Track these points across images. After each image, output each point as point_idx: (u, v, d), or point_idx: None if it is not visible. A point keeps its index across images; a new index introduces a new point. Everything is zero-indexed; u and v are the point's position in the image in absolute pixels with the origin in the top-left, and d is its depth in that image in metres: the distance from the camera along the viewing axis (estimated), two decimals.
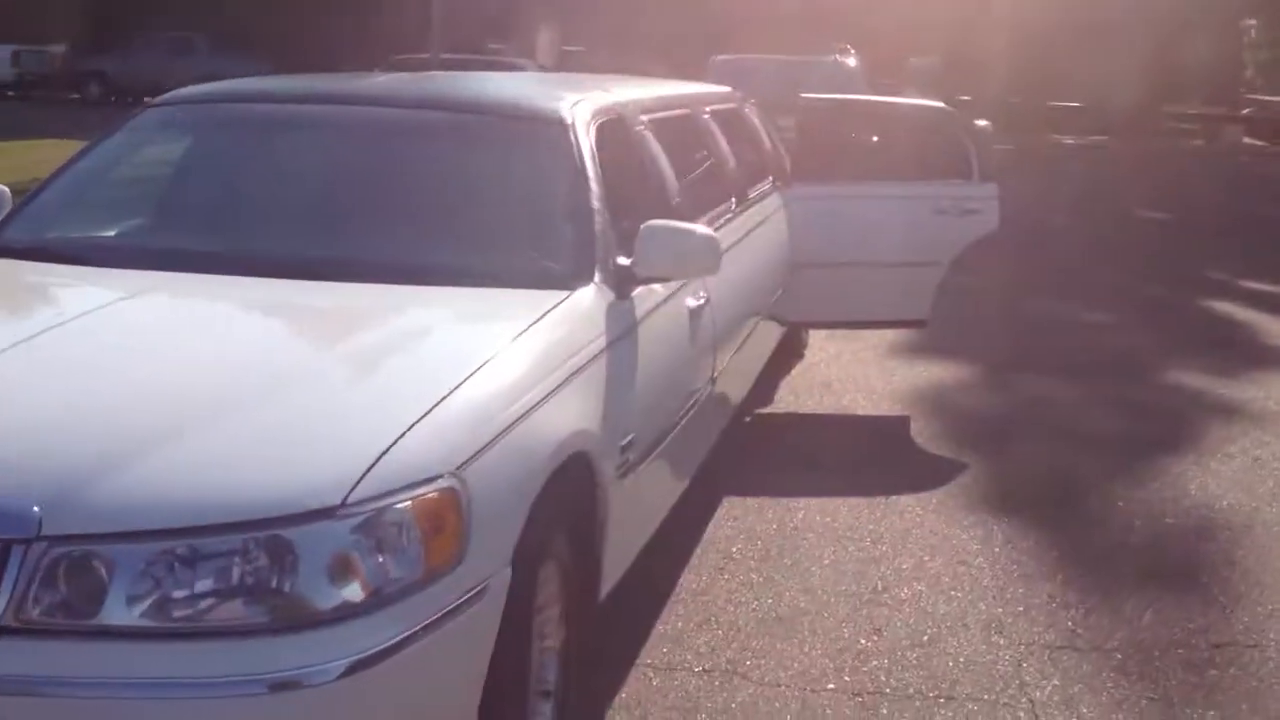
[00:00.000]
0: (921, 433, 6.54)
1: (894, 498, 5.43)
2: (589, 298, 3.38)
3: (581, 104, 4.00)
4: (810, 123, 7.06)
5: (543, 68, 30.80)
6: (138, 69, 31.10)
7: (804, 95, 7.17)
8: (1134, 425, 6.82)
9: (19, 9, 40.73)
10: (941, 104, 7.27)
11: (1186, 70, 40.01)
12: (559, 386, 2.95)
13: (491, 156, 3.82)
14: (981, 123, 28.12)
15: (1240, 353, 8.76)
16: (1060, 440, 6.45)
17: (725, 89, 6.96)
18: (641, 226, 3.53)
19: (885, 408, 7.02)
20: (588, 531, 3.15)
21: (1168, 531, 5.25)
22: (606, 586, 3.37)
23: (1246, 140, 36.23)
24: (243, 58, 28.36)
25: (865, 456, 6.13)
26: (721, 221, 5.12)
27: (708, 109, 5.83)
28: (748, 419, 6.55)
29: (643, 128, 4.46)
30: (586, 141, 3.79)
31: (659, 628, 4.10)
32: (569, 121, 3.82)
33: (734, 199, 5.53)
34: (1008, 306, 10.03)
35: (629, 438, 3.31)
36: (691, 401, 4.11)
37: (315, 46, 32.23)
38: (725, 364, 4.76)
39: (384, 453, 2.34)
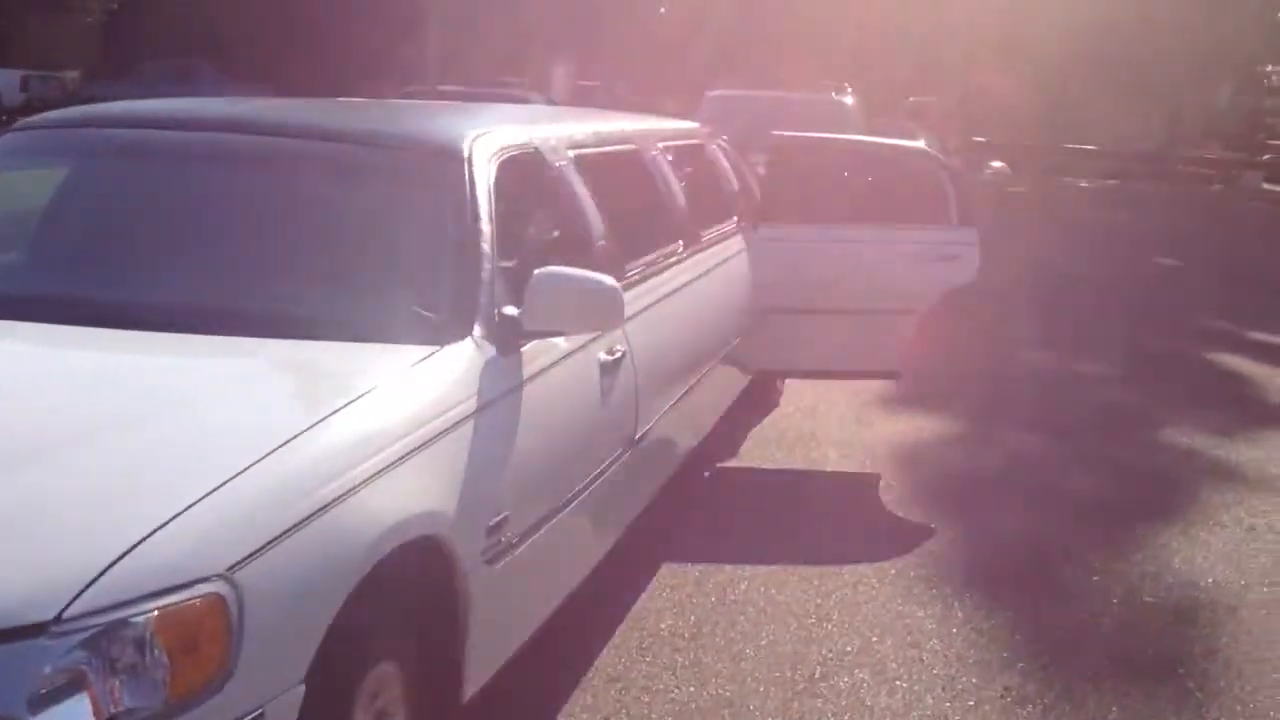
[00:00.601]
0: (891, 492, 6.10)
1: (849, 567, 4.99)
2: (462, 354, 2.97)
3: (485, 137, 3.60)
4: (781, 162, 6.66)
5: (551, 101, 30.60)
6: (143, 96, 30.84)
7: (774, 133, 6.78)
8: (1119, 488, 6.36)
9: (42, 36, 40.82)
10: (921, 144, 6.87)
11: (1205, 115, 39.63)
12: (400, 460, 2.54)
13: (373, 192, 3.42)
14: (997, 164, 27.63)
15: (1242, 410, 8.31)
16: (1038, 504, 6.00)
17: (689, 124, 6.58)
18: (533, 274, 3.14)
19: (856, 464, 6.58)
20: (443, 625, 2.73)
21: (1145, 612, 4.79)
22: (473, 685, 2.95)
23: (1266, 186, 35.72)
24: (248, 86, 28.16)
25: (826, 519, 5.67)
26: (662, 265, 4.73)
27: (660, 145, 5.44)
28: (707, 474, 6.14)
29: (566, 165, 4.06)
30: (483, 178, 3.39)
31: None
32: (464, 155, 3.42)
33: (682, 241, 5.13)
34: (1002, 357, 9.60)
35: (500, 516, 2.89)
36: (603, 467, 3.69)
37: (329, 77, 32.00)
38: (657, 420, 4.34)
39: (127, 552, 1.94)
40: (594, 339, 3.66)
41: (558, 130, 4.33)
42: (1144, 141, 37.82)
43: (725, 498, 5.91)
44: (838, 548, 5.21)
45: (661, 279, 4.60)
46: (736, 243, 6.14)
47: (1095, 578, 5.06)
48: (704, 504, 5.70)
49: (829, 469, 6.48)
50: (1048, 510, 5.89)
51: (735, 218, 6.25)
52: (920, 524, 5.63)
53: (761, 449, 6.69)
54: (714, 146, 6.43)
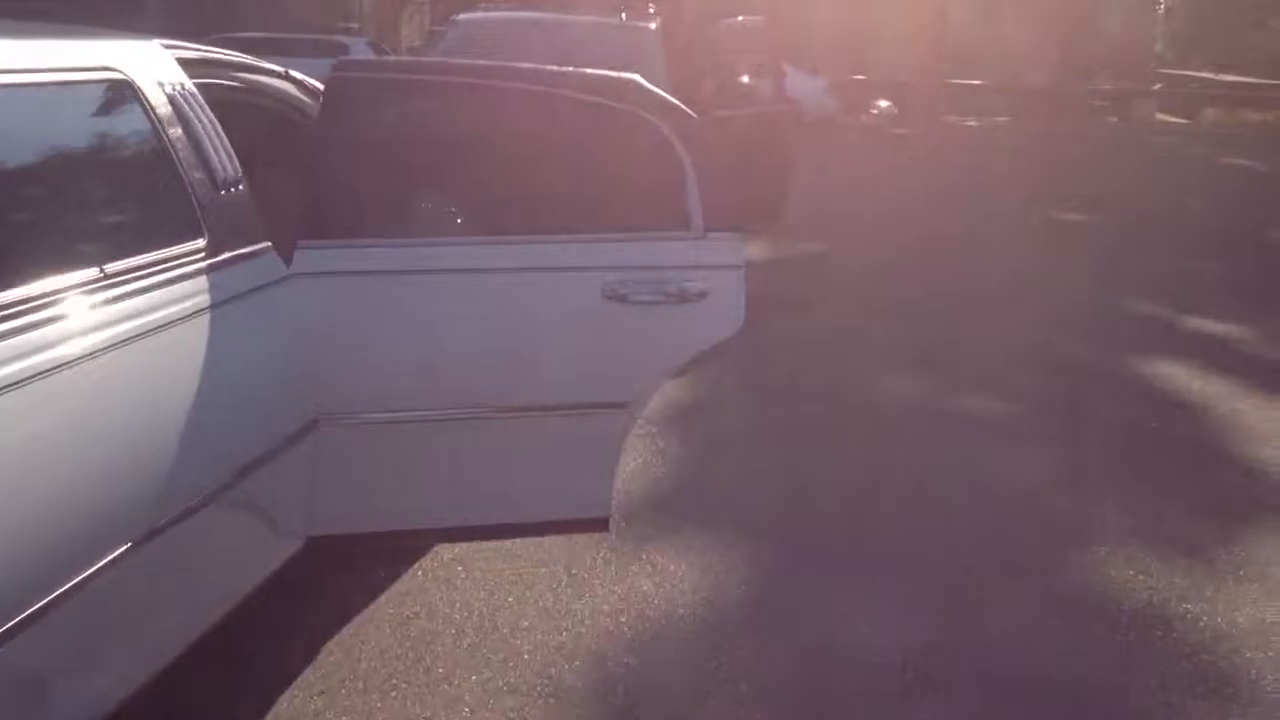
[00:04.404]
0: None
1: None
2: None
3: None
4: (348, 122, 3.30)
5: (382, 51, 26.77)
6: None
7: (340, 60, 3.42)
8: None
9: None
10: (632, 76, 3.55)
11: (1095, 44, 37.13)
12: None
13: None
14: (884, 104, 24.30)
15: (1209, 480, 5.18)
16: None
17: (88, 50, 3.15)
18: None
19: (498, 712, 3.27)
20: None
21: None
22: None
23: (1160, 116, 33.31)
24: None
25: None
26: None
27: None
28: None
29: None
30: None
31: None
32: None
33: None
34: (843, 387, 6.38)
35: None
36: None
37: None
38: None
39: None
40: None
41: None
42: (1034, 74, 35.14)
43: None
44: None
45: None
46: (197, 293, 2.79)
47: None
48: None
49: None
50: None
51: (205, 239, 2.89)
52: None
53: (336, 684, 3.34)
54: (167, 91, 3.02)
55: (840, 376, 6.58)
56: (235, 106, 3.50)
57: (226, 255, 2.94)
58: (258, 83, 3.72)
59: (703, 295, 3.34)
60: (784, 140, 9.44)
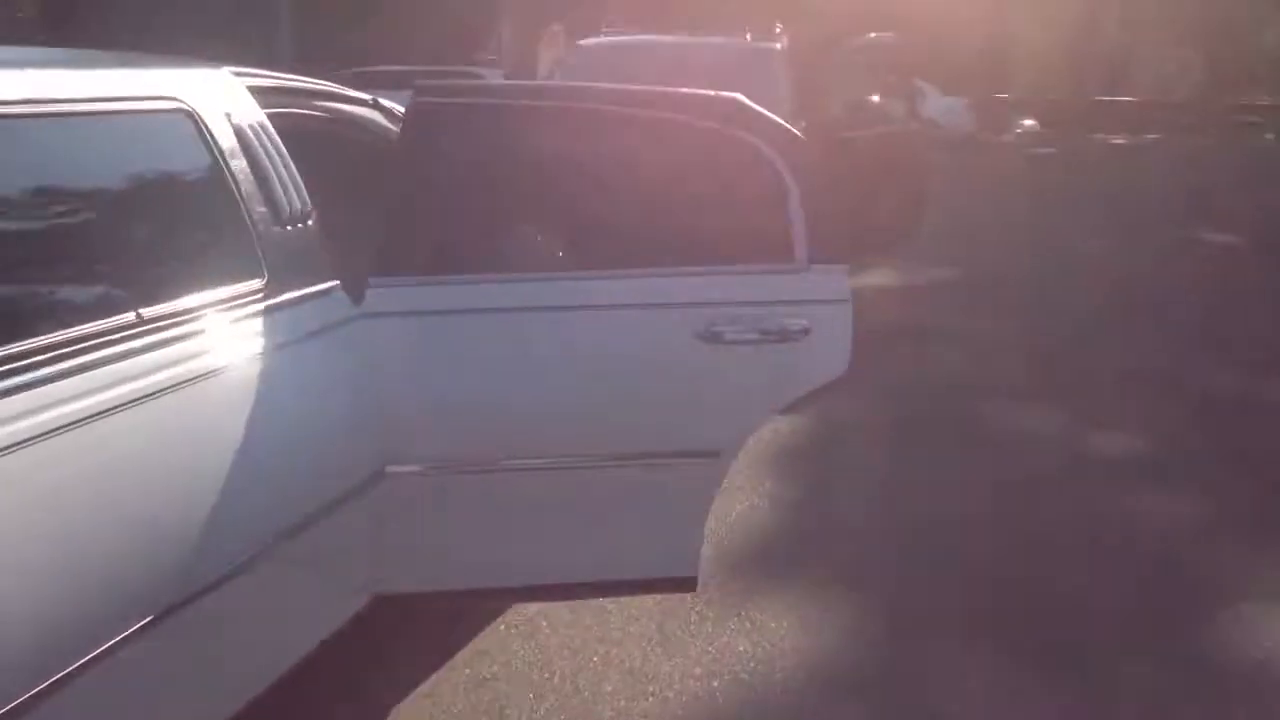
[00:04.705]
0: None
1: None
2: None
3: None
4: (426, 149, 3.12)
5: (506, 76, 26.99)
6: None
7: (419, 84, 3.22)
8: None
9: None
10: (734, 95, 3.29)
11: (1250, 60, 35.65)
12: None
13: None
14: (1028, 122, 23.60)
15: None
16: None
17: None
18: None
19: None
20: None
21: None
22: None
23: None
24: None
25: None
26: None
27: None
28: None
29: None
30: None
31: None
32: None
33: None
34: (963, 426, 6.00)
35: None
36: None
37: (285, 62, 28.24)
38: None
39: None
40: None
41: None
42: (1182, 90, 33.90)
43: None
44: None
45: None
46: (250, 336, 2.63)
47: None
48: None
49: None
50: None
51: (264, 278, 2.72)
52: None
53: None
54: (233, 122, 2.86)
55: (965, 417, 6.20)
56: (315, 136, 3.36)
57: (288, 295, 2.77)
58: (341, 111, 3.57)
59: (805, 333, 3.07)
60: (915, 161, 9.08)
